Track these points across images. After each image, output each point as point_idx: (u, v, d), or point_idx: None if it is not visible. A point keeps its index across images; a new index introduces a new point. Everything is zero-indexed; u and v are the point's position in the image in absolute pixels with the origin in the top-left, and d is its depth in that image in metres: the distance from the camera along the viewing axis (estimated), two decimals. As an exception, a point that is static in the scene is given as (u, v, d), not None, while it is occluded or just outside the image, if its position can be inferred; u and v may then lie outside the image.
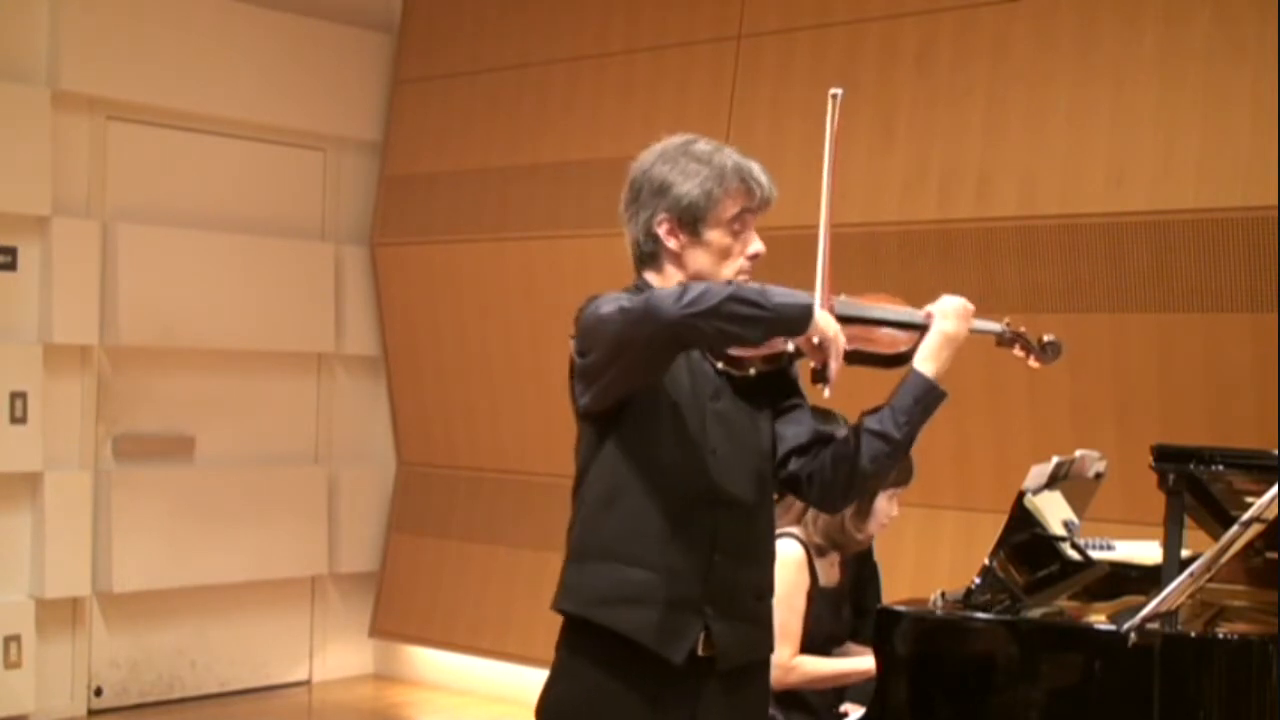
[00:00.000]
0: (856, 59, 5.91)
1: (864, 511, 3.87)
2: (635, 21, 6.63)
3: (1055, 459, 3.67)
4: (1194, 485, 3.45)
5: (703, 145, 2.84)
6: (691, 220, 2.79)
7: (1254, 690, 3.03)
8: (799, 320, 2.57)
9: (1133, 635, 3.03)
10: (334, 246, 7.42)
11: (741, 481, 2.77)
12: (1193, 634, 3.19)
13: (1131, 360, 5.28)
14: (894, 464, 2.80)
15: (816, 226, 2.87)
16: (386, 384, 7.56)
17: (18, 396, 6.19)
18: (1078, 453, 3.92)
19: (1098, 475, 4.13)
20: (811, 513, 3.88)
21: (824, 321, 2.60)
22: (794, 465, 2.81)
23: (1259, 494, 3.08)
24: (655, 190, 2.82)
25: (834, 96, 2.79)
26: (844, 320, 2.72)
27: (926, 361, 2.76)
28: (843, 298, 2.81)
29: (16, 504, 6.32)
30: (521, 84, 6.98)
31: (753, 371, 2.79)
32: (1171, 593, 3.02)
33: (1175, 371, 5.19)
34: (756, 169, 2.84)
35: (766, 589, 2.86)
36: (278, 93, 7.08)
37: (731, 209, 2.80)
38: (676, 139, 2.87)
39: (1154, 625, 3.07)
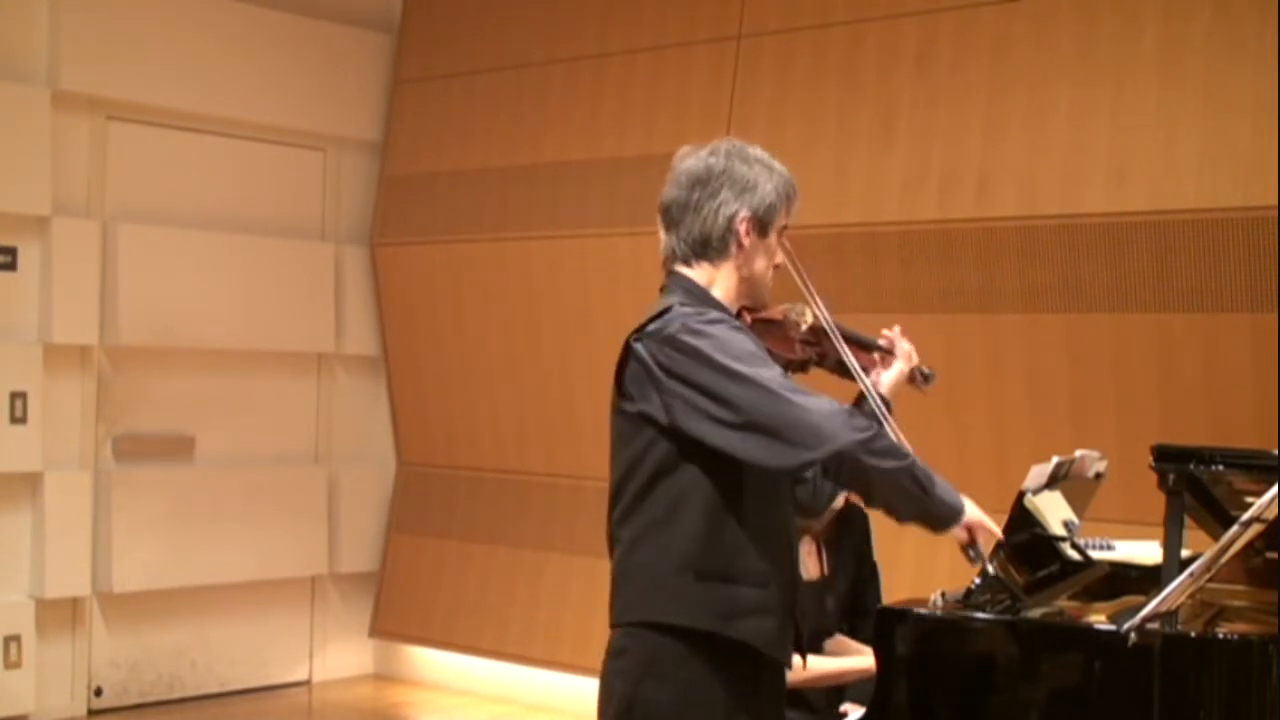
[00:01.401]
0: (856, 59, 5.91)
1: None
2: (635, 21, 6.63)
3: (1055, 459, 3.66)
4: (1194, 485, 3.45)
5: (756, 149, 2.97)
6: (765, 222, 2.91)
7: (1254, 690, 3.03)
8: (948, 519, 2.80)
9: (1133, 635, 3.03)
10: (334, 246, 7.42)
11: (794, 488, 2.98)
12: (1193, 634, 3.19)
13: (1131, 360, 5.28)
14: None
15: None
16: (386, 384, 7.56)
17: (18, 396, 6.19)
18: (1078, 453, 3.91)
19: (1098, 475, 4.13)
20: None
21: (972, 517, 2.82)
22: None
23: (1259, 494, 3.08)
24: (742, 187, 2.90)
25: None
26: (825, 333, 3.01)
27: (890, 387, 3.21)
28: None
29: (16, 504, 6.32)
30: (521, 84, 6.98)
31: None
32: (1171, 593, 3.02)
33: (1175, 371, 5.19)
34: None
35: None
36: (278, 93, 7.08)
37: (784, 218, 2.95)
38: (728, 141, 2.97)
39: (1154, 625, 3.06)
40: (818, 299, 2.94)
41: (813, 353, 3.04)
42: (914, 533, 6.08)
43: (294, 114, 7.17)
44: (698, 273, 2.88)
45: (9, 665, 6.19)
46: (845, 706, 3.99)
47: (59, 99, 6.36)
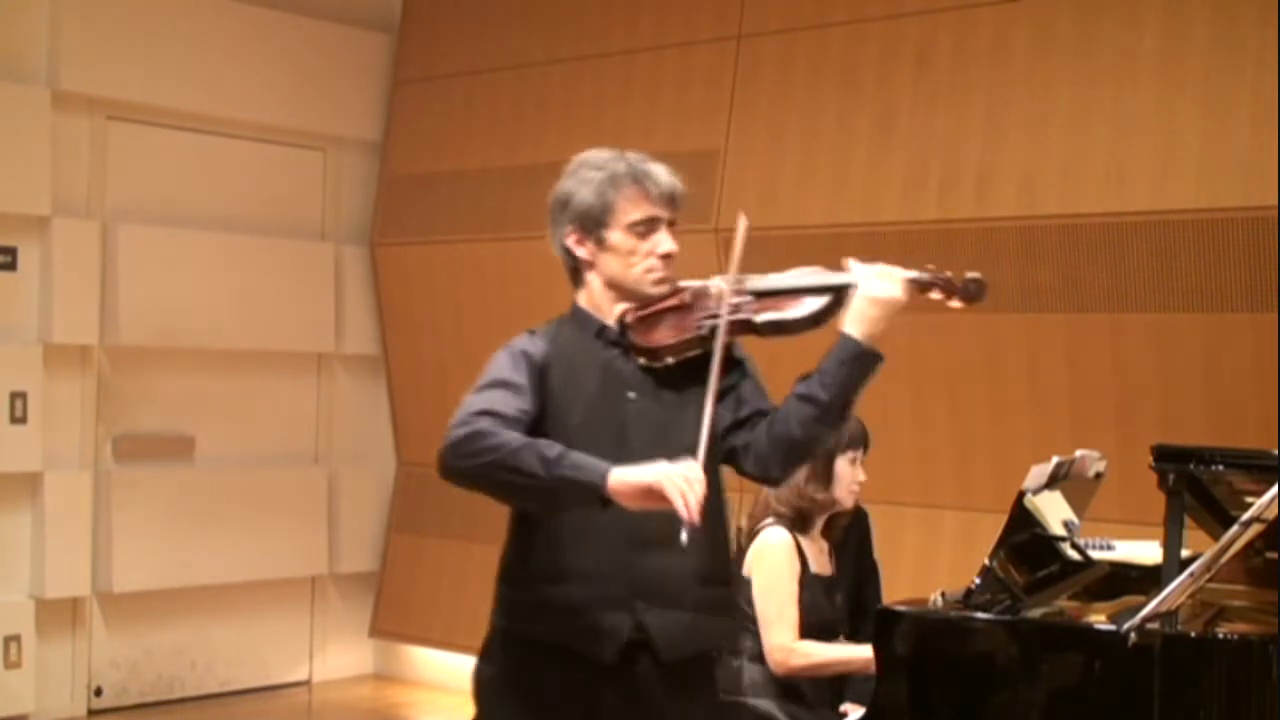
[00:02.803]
0: (856, 59, 5.91)
1: (821, 474, 3.92)
2: (635, 21, 6.63)
3: (1055, 459, 3.67)
4: (1194, 485, 3.45)
5: (602, 153, 2.89)
6: (593, 226, 2.85)
7: (1254, 690, 3.03)
8: (580, 496, 2.58)
9: (1133, 635, 3.03)
10: (334, 246, 7.42)
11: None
12: (1193, 634, 3.19)
13: (1131, 360, 5.28)
14: (825, 427, 2.78)
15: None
16: (386, 384, 7.56)
17: (18, 396, 6.19)
18: (1078, 453, 3.92)
19: (1098, 475, 4.13)
20: (773, 492, 3.94)
21: (621, 483, 2.53)
22: (731, 439, 2.82)
23: (1259, 494, 3.08)
24: (560, 205, 2.91)
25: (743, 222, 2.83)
26: (760, 295, 2.79)
27: (852, 324, 2.77)
28: (753, 276, 2.85)
29: (16, 504, 6.32)
30: (521, 84, 6.98)
31: (670, 361, 2.81)
32: (1171, 593, 3.02)
33: (1175, 371, 5.19)
34: (654, 169, 2.87)
35: (715, 575, 2.85)
36: (278, 93, 7.08)
37: (631, 211, 2.84)
38: (587, 152, 2.92)
39: (1154, 625, 3.07)
40: (732, 269, 2.80)
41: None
42: (914, 533, 6.11)
43: (294, 114, 7.17)
44: (580, 296, 2.92)
45: (9, 665, 6.19)
46: (845, 706, 3.99)
47: (59, 99, 6.36)
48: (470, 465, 2.63)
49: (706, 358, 2.75)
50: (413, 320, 7.38)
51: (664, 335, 2.81)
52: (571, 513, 2.72)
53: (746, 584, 3.91)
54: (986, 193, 5.51)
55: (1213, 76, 5.09)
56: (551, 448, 2.61)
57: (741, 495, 6.05)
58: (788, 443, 2.77)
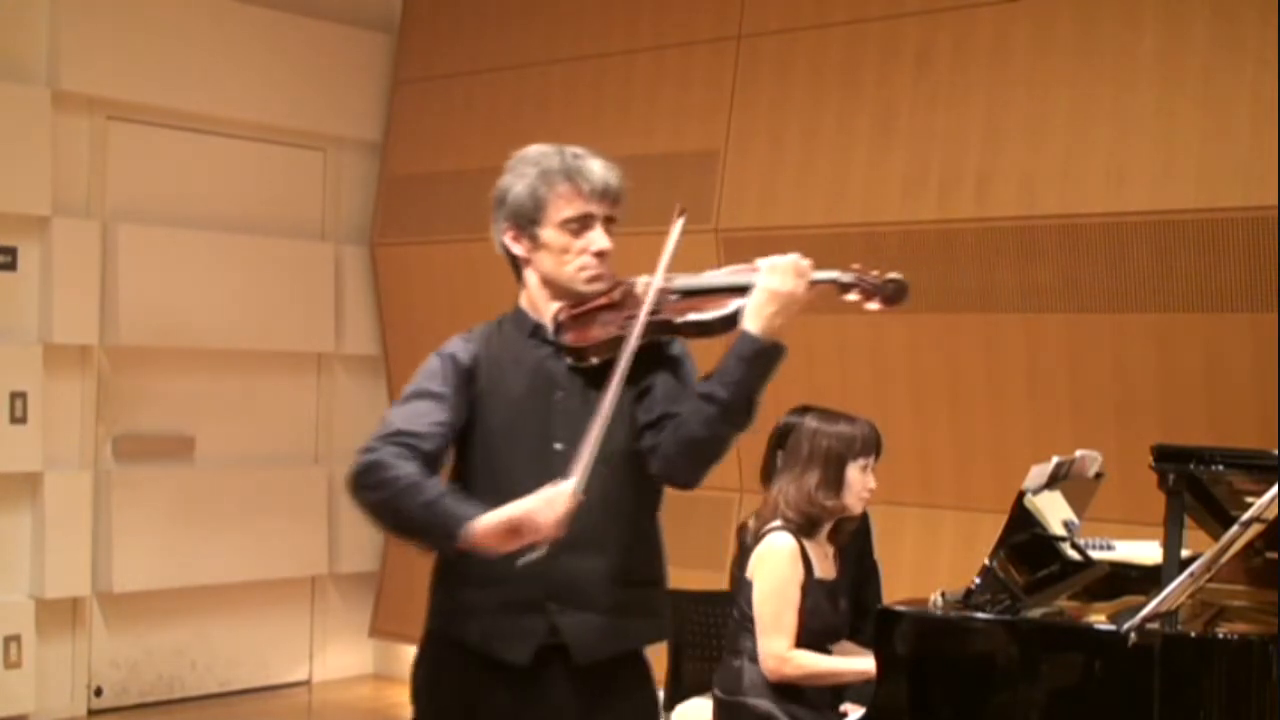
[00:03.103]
0: (856, 59, 5.91)
1: (832, 481, 3.90)
2: (635, 21, 6.63)
3: (1055, 459, 3.67)
4: (1194, 485, 3.45)
5: (540, 148, 2.88)
6: (527, 222, 2.84)
7: (1254, 690, 3.03)
8: (445, 539, 2.63)
9: (1133, 635, 3.03)
10: (334, 246, 7.42)
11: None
12: (1193, 634, 3.19)
13: (1131, 360, 5.28)
14: (730, 426, 2.67)
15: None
16: (386, 384, 7.56)
17: (18, 396, 6.19)
18: (1078, 453, 3.92)
19: (1098, 475, 4.13)
20: (782, 496, 3.93)
21: (485, 530, 2.57)
22: (643, 441, 2.75)
23: (1259, 494, 3.08)
24: (498, 202, 2.91)
25: (681, 215, 2.80)
26: (686, 294, 2.74)
27: (750, 318, 2.67)
28: (684, 276, 2.81)
29: (16, 504, 6.32)
30: (521, 84, 6.98)
31: (595, 361, 2.77)
32: (1171, 593, 3.02)
33: (1175, 371, 5.19)
34: (589, 164, 2.84)
35: (633, 576, 2.79)
36: (278, 93, 7.08)
37: (564, 207, 2.81)
38: (528, 147, 2.92)
39: (1154, 625, 3.07)
40: (660, 268, 2.75)
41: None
42: (914, 533, 6.12)
43: (294, 114, 7.17)
44: (521, 295, 2.92)
45: (9, 665, 6.18)
46: (845, 706, 3.99)
47: (59, 99, 6.36)
48: (365, 500, 2.76)
49: (636, 357, 2.71)
50: (413, 320, 7.38)
51: (591, 334, 2.77)
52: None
53: (748, 585, 3.91)
54: (986, 193, 5.51)
55: (1213, 76, 5.09)
56: (431, 490, 2.65)
57: (742, 495, 6.06)
58: (691, 444, 2.68)
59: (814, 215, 5.84)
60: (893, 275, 2.74)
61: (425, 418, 2.78)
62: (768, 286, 2.67)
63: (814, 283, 2.70)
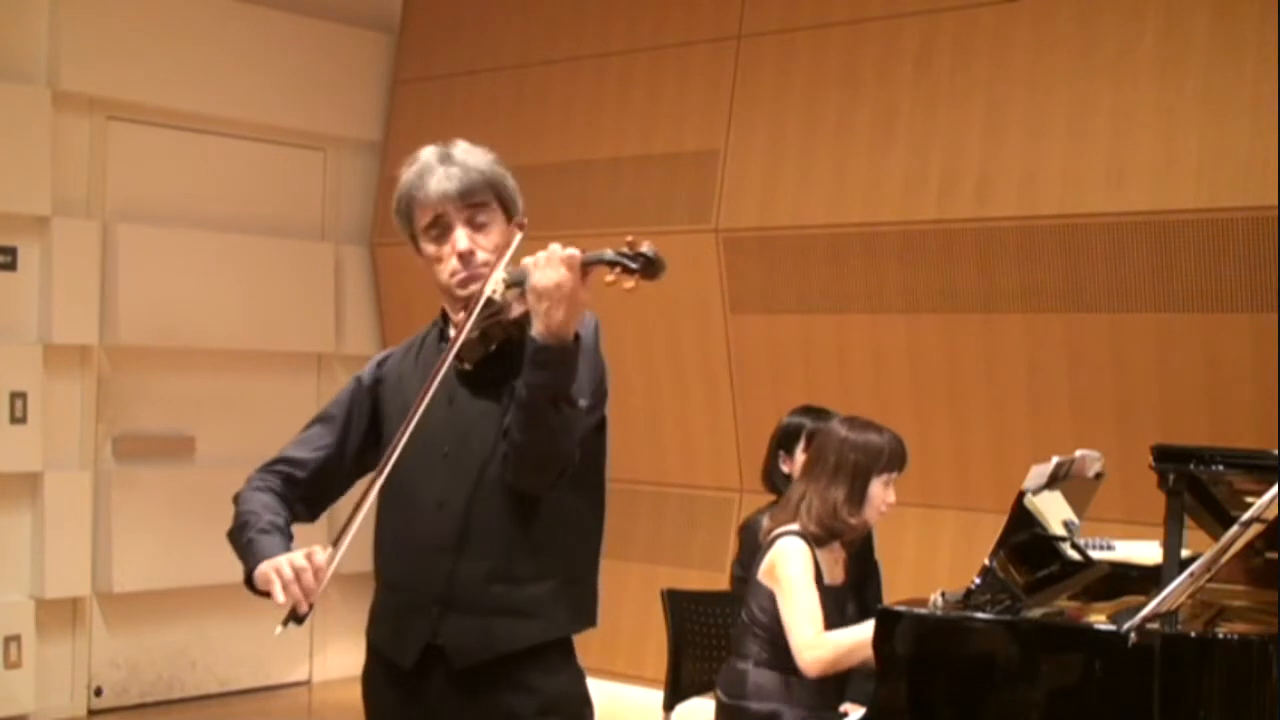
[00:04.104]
0: (856, 59, 5.92)
1: (856, 497, 3.87)
2: (635, 21, 6.63)
3: (1055, 459, 3.67)
4: (1194, 485, 3.45)
5: (419, 155, 2.89)
6: (409, 238, 2.89)
7: (1254, 690, 3.03)
8: (248, 578, 2.83)
9: (1133, 635, 3.03)
10: (334, 246, 7.42)
11: (464, 476, 2.71)
12: (1193, 634, 3.19)
13: (1131, 360, 5.28)
14: (543, 430, 2.57)
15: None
16: (386, 384, 7.56)
17: (18, 396, 6.19)
18: (1078, 453, 3.92)
19: (1098, 475, 4.13)
20: (804, 504, 3.89)
21: (258, 577, 2.75)
22: (503, 448, 2.67)
23: (1259, 494, 3.08)
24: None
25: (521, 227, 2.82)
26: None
27: (534, 322, 2.57)
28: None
29: (16, 504, 6.31)
30: (521, 84, 6.98)
31: (468, 365, 2.76)
32: (1171, 593, 3.02)
33: (1175, 371, 5.19)
34: (435, 170, 2.83)
35: (514, 576, 2.71)
36: (278, 93, 7.08)
37: (421, 218, 2.83)
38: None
39: (1154, 625, 3.07)
40: (496, 269, 2.72)
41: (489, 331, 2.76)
42: (914, 533, 6.11)
43: (294, 114, 7.17)
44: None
45: (9, 665, 6.18)
46: (845, 706, 3.99)
47: (59, 99, 6.36)
48: (230, 529, 2.92)
49: (500, 358, 2.70)
50: (413, 320, 7.33)
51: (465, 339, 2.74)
52: (384, 520, 2.87)
53: (761, 589, 3.86)
54: (986, 193, 5.51)
55: (1213, 76, 5.10)
56: (253, 527, 2.83)
57: (741, 495, 6.06)
58: (515, 450, 2.61)
59: (814, 215, 5.84)
60: (645, 248, 2.57)
61: (311, 443, 2.95)
62: (535, 285, 2.56)
63: (585, 266, 2.57)
